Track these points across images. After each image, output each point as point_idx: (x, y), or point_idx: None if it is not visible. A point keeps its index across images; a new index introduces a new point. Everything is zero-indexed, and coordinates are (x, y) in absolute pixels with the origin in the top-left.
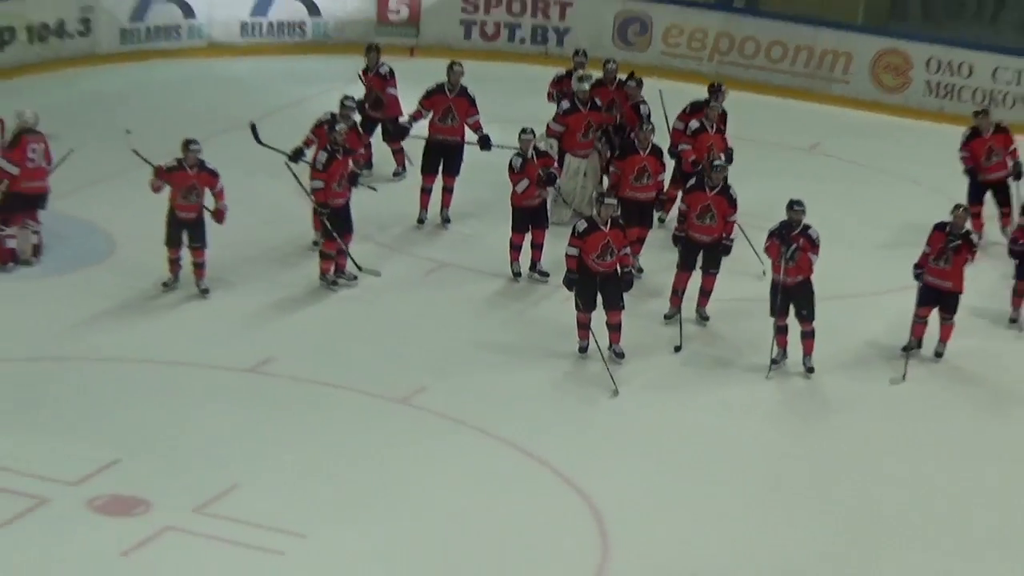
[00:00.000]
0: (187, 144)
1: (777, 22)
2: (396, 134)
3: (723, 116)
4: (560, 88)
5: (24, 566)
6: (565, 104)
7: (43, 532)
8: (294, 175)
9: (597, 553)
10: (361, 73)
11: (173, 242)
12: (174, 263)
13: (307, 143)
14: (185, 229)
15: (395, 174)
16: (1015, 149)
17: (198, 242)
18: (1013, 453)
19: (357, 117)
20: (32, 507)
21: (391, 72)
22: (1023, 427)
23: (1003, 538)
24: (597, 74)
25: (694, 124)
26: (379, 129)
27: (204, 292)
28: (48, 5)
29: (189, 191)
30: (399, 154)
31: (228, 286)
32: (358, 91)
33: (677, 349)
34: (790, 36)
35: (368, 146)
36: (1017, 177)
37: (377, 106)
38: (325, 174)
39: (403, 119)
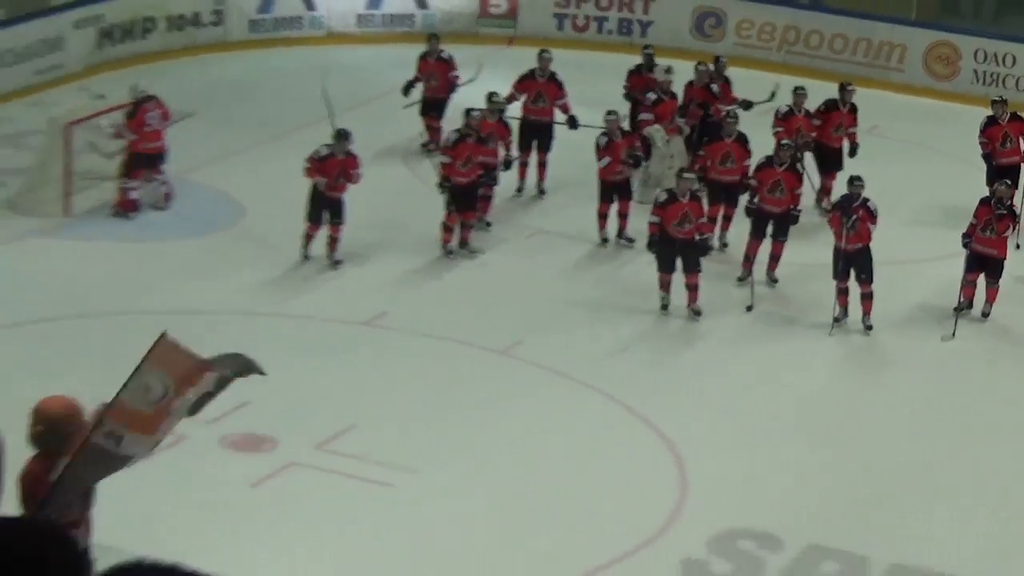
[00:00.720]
0: (340, 133)
1: (839, 17)
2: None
3: (853, 108)
4: (633, 84)
5: (164, 497)
6: (652, 95)
7: (181, 466)
8: (428, 153)
9: (676, 490)
10: (421, 56)
11: (314, 218)
12: (310, 238)
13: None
14: (328, 208)
15: (424, 147)
16: None
17: (338, 218)
18: None
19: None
20: (171, 443)
21: (451, 57)
22: None
23: None
24: (668, 62)
25: (783, 109)
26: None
27: (336, 264)
28: None
29: (338, 176)
30: (434, 131)
31: (353, 255)
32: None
33: (749, 308)
34: (850, 29)
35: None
36: None
37: (446, 88)
38: (452, 151)
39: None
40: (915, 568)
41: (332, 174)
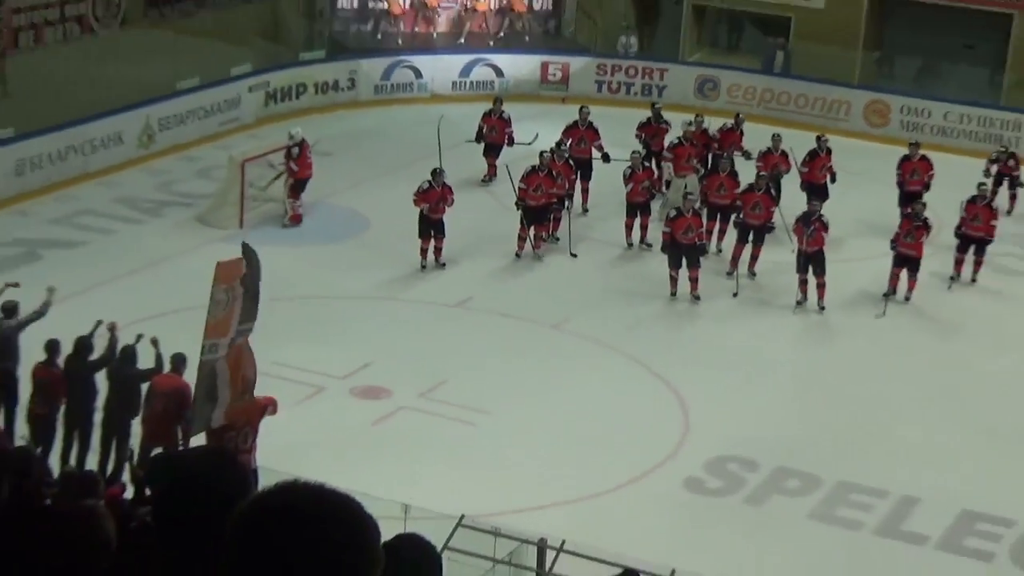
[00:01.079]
0: (436, 171)
1: (802, 81)
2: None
3: (829, 151)
4: (643, 131)
5: (310, 432)
6: (675, 140)
7: (321, 410)
8: (511, 179)
9: (681, 428)
10: (485, 113)
11: (424, 235)
12: (424, 251)
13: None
14: (432, 227)
15: (483, 180)
16: (933, 173)
17: (440, 233)
18: (955, 360)
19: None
20: (313, 393)
21: (509, 117)
22: (958, 343)
23: (951, 414)
24: (683, 116)
25: (763, 149)
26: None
27: (443, 266)
28: (328, 69)
29: (438, 202)
30: (492, 167)
31: (449, 258)
32: (527, 128)
33: (735, 295)
34: (810, 91)
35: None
36: (926, 189)
37: (503, 138)
38: (526, 180)
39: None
40: (855, 484)
41: (433, 201)
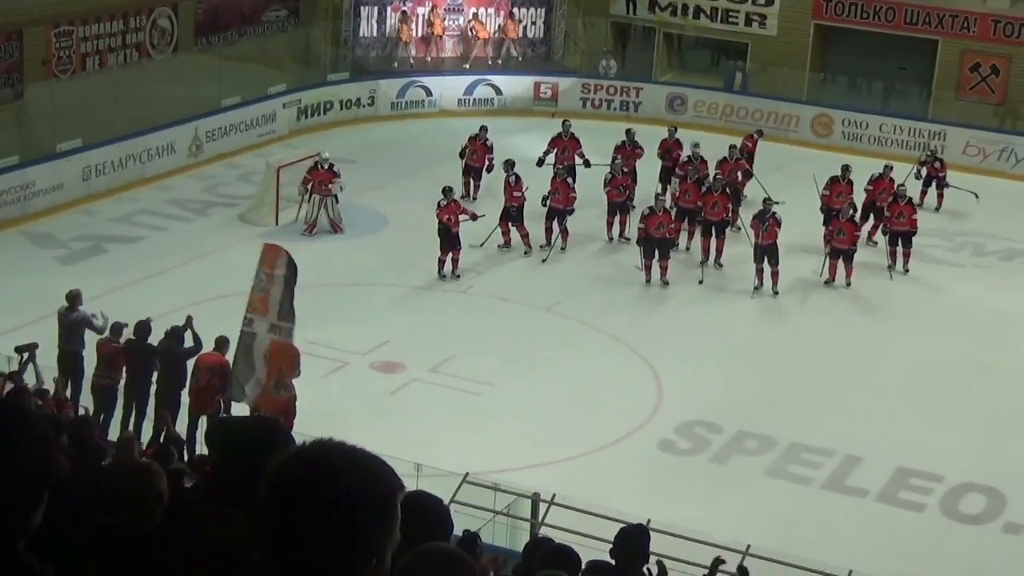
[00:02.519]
0: (446, 189)
1: (757, 98)
2: (477, 176)
3: (851, 183)
4: (618, 153)
5: (337, 401)
6: (684, 156)
7: (346, 382)
8: (465, 200)
9: (655, 395)
10: (471, 137)
11: (443, 248)
12: (442, 262)
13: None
14: (450, 240)
15: (463, 196)
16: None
17: (458, 246)
18: (890, 336)
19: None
20: (338, 367)
21: (492, 145)
22: (892, 322)
23: (887, 383)
24: (652, 129)
25: (720, 158)
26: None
27: (457, 276)
28: (351, 89)
29: (455, 214)
30: (470, 186)
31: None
32: (514, 144)
33: (700, 282)
34: (765, 106)
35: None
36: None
37: (483, 162)
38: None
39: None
40: (805, 445)
41: (451, 213)
